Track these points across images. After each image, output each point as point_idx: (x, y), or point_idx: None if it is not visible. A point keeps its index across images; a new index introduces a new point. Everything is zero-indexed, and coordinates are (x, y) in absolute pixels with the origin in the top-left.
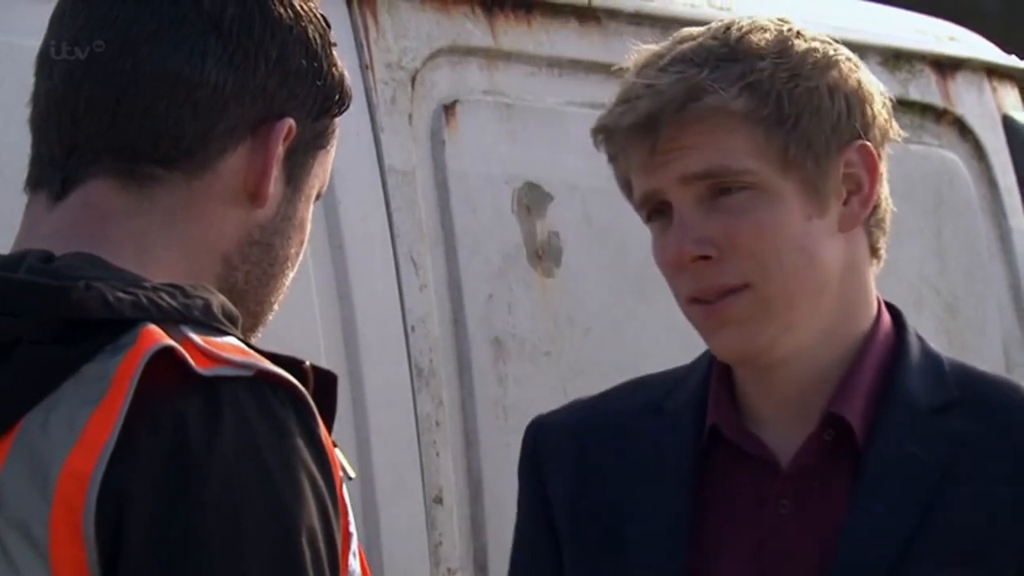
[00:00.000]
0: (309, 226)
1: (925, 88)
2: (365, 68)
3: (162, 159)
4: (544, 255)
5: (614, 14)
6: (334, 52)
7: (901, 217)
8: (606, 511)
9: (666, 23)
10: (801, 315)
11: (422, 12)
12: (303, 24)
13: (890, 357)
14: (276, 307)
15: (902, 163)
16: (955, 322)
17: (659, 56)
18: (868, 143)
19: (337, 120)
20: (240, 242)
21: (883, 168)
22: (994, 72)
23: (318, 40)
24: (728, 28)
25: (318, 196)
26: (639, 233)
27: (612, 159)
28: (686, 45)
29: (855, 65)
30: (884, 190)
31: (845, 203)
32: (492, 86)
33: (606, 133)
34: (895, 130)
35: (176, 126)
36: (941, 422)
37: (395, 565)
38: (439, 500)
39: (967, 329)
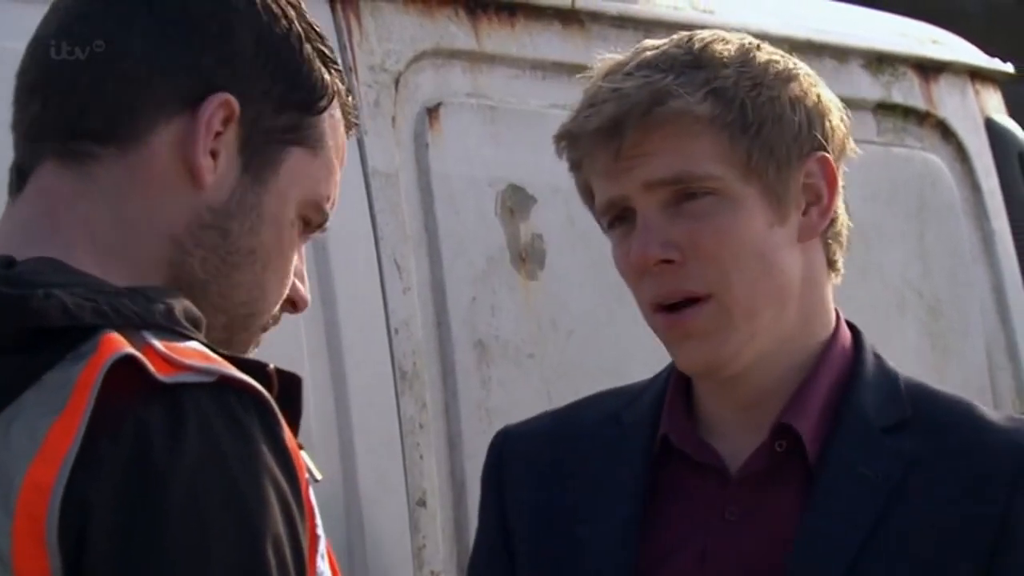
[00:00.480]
0: (292, 229)
1: (908, 91)
2: (348, 71)
3: (94, 134)
4: (528, 258)
5: (597, 17)
6: (308, 50)
7: (884, 220)
8: (564, 517)
9: (649, 26)
10: (763, 325)
11: (405, 15)
12: (257, 9)
13: (845, 372)
14: (254, 307)
15: (885, 166)
16: (938, 325)
17: (623, 64)
18: (827, 155)
19: (327, 123)
20: (189, 224)
21: (841, 181)
22: (977, 75)
23: (279, 31)
24: (691, 38)
25: (320, 211)
26: None
27: (574, 166)
28: (650, 53)
29: (814, 80)
30: (841, 205)
31: (804, 213)
32: (475, 89)
33: (570, 139)
34: (851, 147)
35: (100, 99)
36: (892, 441)
37: (378, 568)
38: (423, 503)
39: (950, 332)
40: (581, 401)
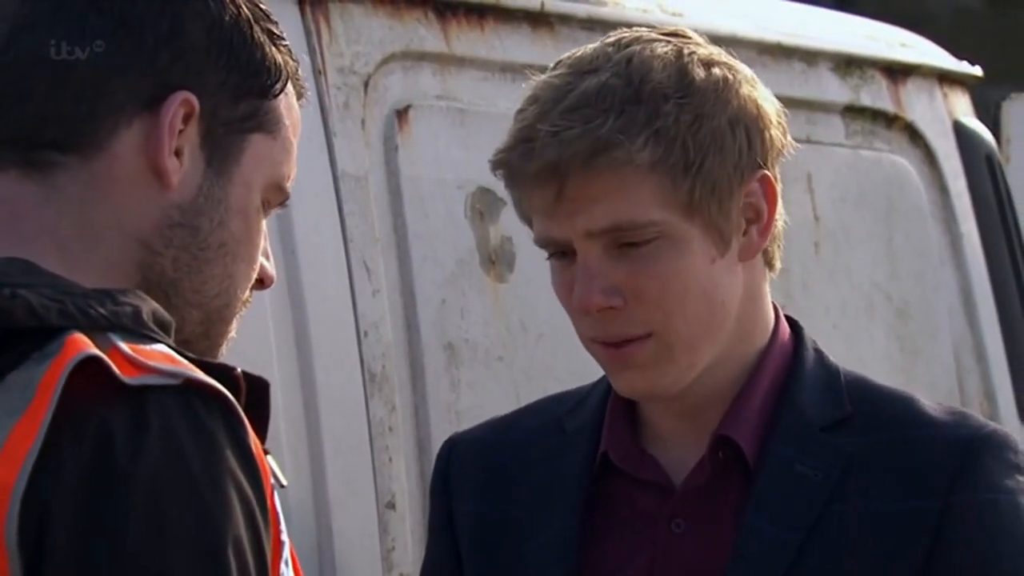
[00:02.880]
0: (258, 216)
1: (876, 94)
2: (318, 73)
3: (54, 144)
4: (497, 260)
5: (566, 19)
6: (258, 32)
7: (852, 222)
8: (509, 528)
9: (618, 28)
10: (702, 354)
11: (375, 17)
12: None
13: (785, 373)
14: (227, 297)
15: (853, 169)
16: (906, 327)
17: (562, 92)
18: (768, 172)
19: (282, 104)
20: (158, 225)
21: (779, 189)
22: (945, 78)
23: (228, 19)
24: (630, 60)
25: (281, 191)
26: None
27: (509, 187)
28: (589, 83)
29: (752, 84)
30: (779, 203)
31: (745, 233)
32: (445, 91)
33: (507, 171)
34: (788, 143)
35: (58, 108)
36: (832, 440)
37: (347, 570)
38: (392, 505)
39: (918, 334)
40: (527, 407)
